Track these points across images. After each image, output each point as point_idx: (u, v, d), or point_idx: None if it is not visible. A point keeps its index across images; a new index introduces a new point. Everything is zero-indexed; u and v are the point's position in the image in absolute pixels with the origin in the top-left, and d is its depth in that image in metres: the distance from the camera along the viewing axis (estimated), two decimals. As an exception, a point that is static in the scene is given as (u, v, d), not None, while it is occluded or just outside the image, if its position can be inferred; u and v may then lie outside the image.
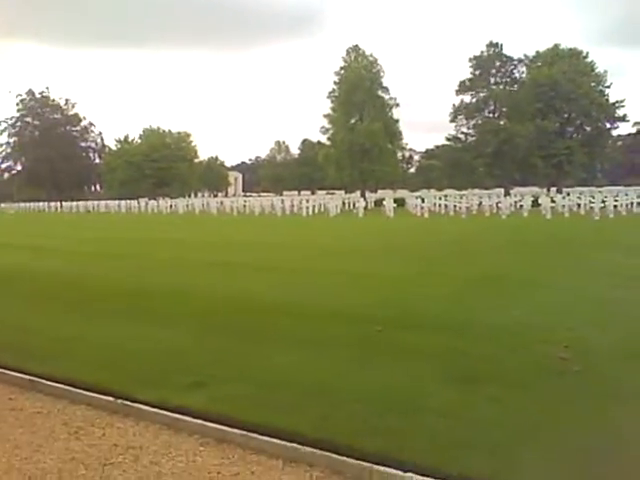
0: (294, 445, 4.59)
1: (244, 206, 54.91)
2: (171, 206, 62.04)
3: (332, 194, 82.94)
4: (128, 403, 5.61)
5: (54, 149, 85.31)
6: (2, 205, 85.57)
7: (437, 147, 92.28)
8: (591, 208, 36.99)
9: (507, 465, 4.20)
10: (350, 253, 18.06)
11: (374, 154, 64.46)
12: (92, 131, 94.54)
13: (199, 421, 5.14)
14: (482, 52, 68.97)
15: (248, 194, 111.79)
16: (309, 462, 4.47)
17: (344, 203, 54.59)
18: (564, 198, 43.58)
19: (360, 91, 64.59)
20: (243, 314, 9.18)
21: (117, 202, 68.45)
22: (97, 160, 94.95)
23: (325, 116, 69.25)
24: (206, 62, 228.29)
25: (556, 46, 70.40)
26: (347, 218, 41.33)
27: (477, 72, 68.58)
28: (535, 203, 41.05)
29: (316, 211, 49.51)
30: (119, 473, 4.46)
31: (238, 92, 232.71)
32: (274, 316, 8.91)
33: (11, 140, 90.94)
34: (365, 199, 54.26)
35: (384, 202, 46.40)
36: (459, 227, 30.14)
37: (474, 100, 68.87)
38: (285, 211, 49.53)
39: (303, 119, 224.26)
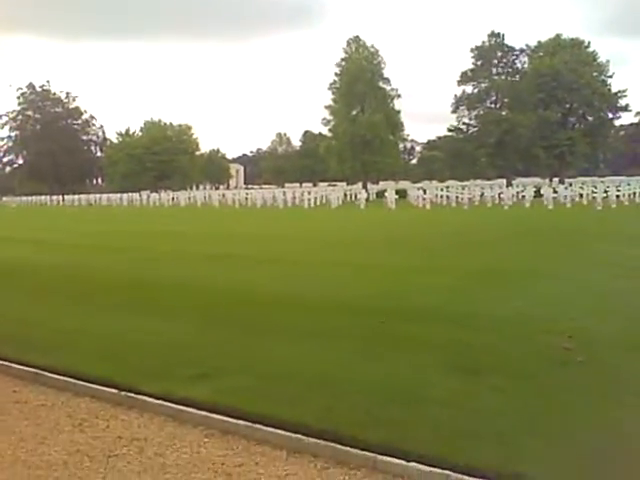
0: (298, 436, 4.60)
1: (246, 198, 54.89)
2: (173, 199, 62.01)
3: (334, 186, 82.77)
4: (132, 395, 5.62)
5: (55, 143, 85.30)
6: (4, 199, 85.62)
7: (439, 138, 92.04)
8: (593, 198, 36.91)
9: (512, 454, 4.20)
10: (352, 245, 18.05)
11: (376, 145, 64.22)
12: (93, 124, 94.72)
13: (203, 413, 5.15)
14: (484, 42, 68.72)
15: (250, 186, 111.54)
16: (313, 453, 4.48)
17: (346, 195, 54.52)
18: (566, 188, 43.50)
19: (361, 82, 64.31)
20: (246, 306, 9.19)
21: (119, 195, 68.41)
22: (98, 153, 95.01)
23: (326, 108, 69.01)
24: (207, 54, 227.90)
25: (558, 36, 70.03)
26: (349, 210, 41.29)
27: (479, 62, 68.32)
28: (537, 194, 40.97)
29: (318, 203, 49.49)
30: (124, 465, 4.47)
31: (239, 84, 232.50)
32: (277, 308, 8.91)
33: (12, 134, 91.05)
34: (367, 191, 54.24)
35: (386, 194, 46.33)
36: (461, 218, 30.11)
37: (476, 90, 68.65)
38: (287, 203, 49.50)
39: (304, 111, 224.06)
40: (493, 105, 68.49)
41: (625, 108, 68.92)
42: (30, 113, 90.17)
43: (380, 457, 4.23)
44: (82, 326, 8.18)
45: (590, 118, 68.23)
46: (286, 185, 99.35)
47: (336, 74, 67.85)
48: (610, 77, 67.94)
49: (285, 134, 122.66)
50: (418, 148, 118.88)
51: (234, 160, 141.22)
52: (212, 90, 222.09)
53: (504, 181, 66.33)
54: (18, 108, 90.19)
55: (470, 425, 4.65)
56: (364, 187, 62.44)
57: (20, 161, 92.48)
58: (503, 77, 67.88)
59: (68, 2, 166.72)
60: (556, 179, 66.63)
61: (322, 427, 4.65)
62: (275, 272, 12.59)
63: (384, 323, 7.75)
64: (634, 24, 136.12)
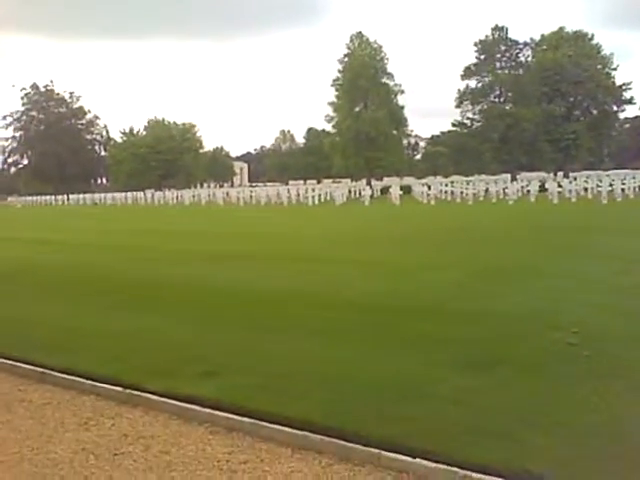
0: (303, 433, 4.59)
1: (250, 196, 54.85)
2: (177, 197, 62.06)
3: (338, 183, 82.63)
4: (137, 393, 5.62)
5: (60, 143, 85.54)
6: (9, 199, 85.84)
7: (443, 133, 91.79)
8: (598, 192, 36.71)
9: (520, 449, 4.18)
10: (358, 242, 18.03)
11: (380, 142, 64.05)
12: (97, 124, 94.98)
13: (208, 410, 5.15)
14: (487, 36, 68.38)
15: (254, 184, 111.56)
16: (318, 449, 4.47)
17: (350, 191, 54.41)
18: (571, 182, 43.26)
19: (364, 78, 64.11)
20: (252, 304, 9.18)
21: (124, 194, 68.57)
22: (103, 153, 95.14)
23: (330, 104, 68.75)
24: (209, 52, 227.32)
25: (561, 29, 69.73)
26: (353, 206, 41.24)
27: (482, 57, 68.03)
28: (542, 188, 40.78)
29: (322, 200, 49.43)
30: (129, 463, 4.48)
31: (242, 82, 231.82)
32: (283, 306, 8.91)
33: (17, 134, 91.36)
34: (371, 187, 54.12)
35: (390, 190, 46.25)
36: (466, 214, 30.04)
37: (479, 85, 68.35)
38: (291, 200, 49.48)
39: (308, 108, 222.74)
40: (497, 99, 68.18)
41: (629, 101, 68.56)
42: (34, 113, 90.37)
43: (385, 453, 4.22)
44: (86, 325, 8.19)
45: (594, 111, 67.97)
46: (290, 182, 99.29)
47: (339, 70, 67.66)
48: (614, 70, 67.63)
49: (289, 131, 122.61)
50: (422, 144, 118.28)
51: (238, 158, 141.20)
52: (215, 88, 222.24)
53: (508, 176, 66.08)
54: (22, 108, 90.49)
55: (478, 421, 4.63)
56: (368, 183, 62.34)
57: (25, 161, 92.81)
58: (507, 71, 67.50)
59: (69, 1, 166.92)
60: (560, 173, 66.38)
61: (328, 424, 4.63)
62: (280, 270, 12.57)
63: (392, 320, 7.72)
64: (638, 16, 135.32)
